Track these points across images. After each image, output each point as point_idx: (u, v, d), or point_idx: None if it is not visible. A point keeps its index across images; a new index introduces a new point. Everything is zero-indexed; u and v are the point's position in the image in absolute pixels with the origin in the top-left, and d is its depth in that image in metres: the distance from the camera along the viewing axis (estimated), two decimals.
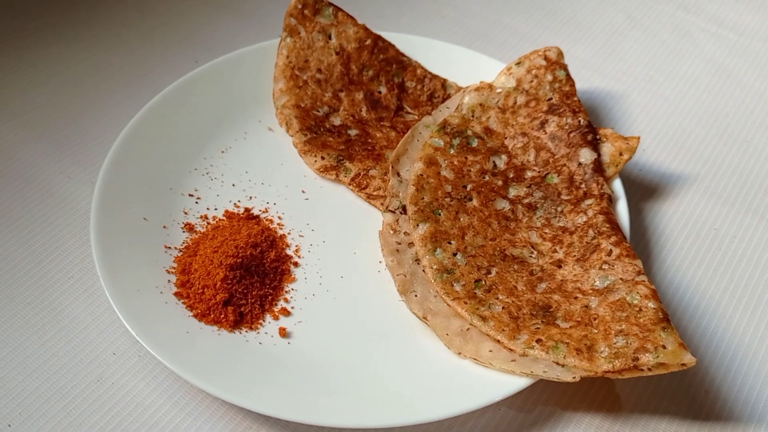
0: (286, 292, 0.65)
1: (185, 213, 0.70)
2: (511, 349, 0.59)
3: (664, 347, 0.55)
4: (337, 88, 0.81)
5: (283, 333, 0.62)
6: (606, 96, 0.88)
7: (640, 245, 0.72)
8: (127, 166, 0.70)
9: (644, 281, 0.60)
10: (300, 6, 0.81)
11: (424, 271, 0.65)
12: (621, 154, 0.72)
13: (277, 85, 0.80)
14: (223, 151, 0.76)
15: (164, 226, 0.68)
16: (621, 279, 0.61)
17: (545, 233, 0.68)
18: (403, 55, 0.83)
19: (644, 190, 0.78)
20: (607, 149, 0.73)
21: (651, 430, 0.59)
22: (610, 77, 0.91)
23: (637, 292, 0.59)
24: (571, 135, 0.73)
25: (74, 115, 0.82)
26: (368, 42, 0.82)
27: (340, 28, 0.82)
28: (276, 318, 0.63)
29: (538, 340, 0.58)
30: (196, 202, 0.71)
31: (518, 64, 0.79)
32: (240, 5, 0.98)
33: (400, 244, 0.68)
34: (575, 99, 0.76)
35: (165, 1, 0.97)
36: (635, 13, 1.00)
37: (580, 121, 0.74)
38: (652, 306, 0.58)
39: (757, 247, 0.73)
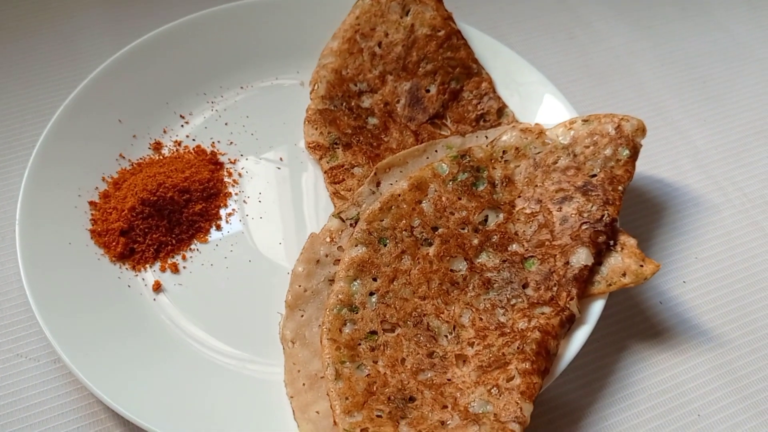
0: (190, 249, 0.61)
1: (164, 131, 0.68)
2: (335, 422, 0.51)
3: None
4: (387, 69, 0.72)
5: (156, 287, 0.59)
6: (699, 209, 0.70)
7: (591, 383, 0.58)
8: (133, 65, 0.69)
9: (514, 431, 0.48)
10: None
11: (329, 295, 0.58)
12: (624, 275, 0.58)
13: (332, 43, 0.74)
14: (242, 87, 0.72)
15: (134, 135, 0.67)
16: (495, 415, 0.49)
17: (479, 320, 0.57)
18: (475, 61, 0.73)
19: (647, 330, 0.62)
20: (614, 261, 0.58)
21: None
22: (719, 194, 0.72)
23: None
24: (583, 227, 0.59)
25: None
26: (441, 33, 0.72)
27: (420, 7, 0.73)
28: (163, 270, 0.60)
29: (364, 429, 0.49)
30: (182, 126, 0.69)
31: (585, 121, 0.65)
32: None
33: (326, 256, 0.60)
34: (619, 189, 0.61)
35: None
36: None
37: (603, 216, 0.60)
38: None
39: None
